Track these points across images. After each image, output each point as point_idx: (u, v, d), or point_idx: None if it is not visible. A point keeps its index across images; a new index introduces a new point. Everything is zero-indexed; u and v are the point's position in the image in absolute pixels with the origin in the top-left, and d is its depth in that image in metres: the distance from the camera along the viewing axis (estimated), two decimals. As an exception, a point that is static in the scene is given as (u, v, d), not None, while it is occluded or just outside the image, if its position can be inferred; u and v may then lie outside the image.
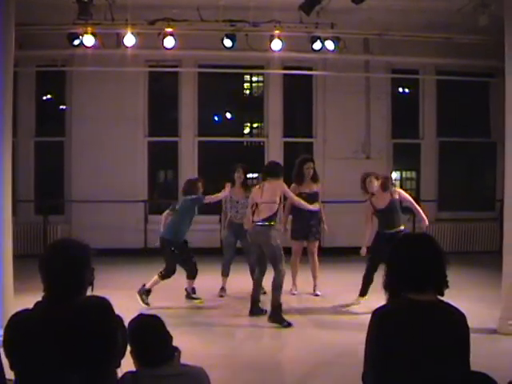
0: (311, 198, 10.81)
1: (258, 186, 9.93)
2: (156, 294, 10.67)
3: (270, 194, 9.47)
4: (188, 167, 15.73)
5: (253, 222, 9.53)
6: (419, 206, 10.45)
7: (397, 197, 10.05)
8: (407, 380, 3.24)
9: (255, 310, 9.71)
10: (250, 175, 13.94)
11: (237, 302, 10.66)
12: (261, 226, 9.43)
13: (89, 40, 13.07)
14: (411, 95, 17.31)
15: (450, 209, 16.73)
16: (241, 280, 11.14)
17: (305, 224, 10.89)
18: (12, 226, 8.37)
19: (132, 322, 3.73)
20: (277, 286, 9.35)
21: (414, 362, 3.25)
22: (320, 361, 7.53)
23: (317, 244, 11.21)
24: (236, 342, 8.39)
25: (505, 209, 8.97)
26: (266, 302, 9.82)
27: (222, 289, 11.13)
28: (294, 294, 11.04)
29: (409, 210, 10.85)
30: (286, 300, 10.68)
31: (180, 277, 11.78)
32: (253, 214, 9.54)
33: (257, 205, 9.48)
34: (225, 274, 11.15)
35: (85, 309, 3.32)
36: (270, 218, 9.48)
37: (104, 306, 3.41)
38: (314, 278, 11.28)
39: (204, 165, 15.98)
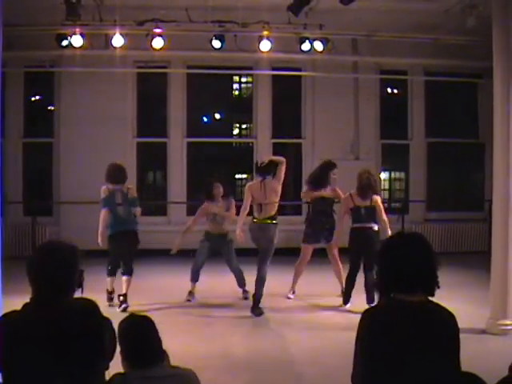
0: (324, 202, 10.86)
1: (256, 185, 10.09)
2: (147, 294, 10.73)
3: (274, 193, 9.96)
4: (177, 168, 15.73)
5: (255, 218, 9.95)
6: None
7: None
8: (397, 381, 3.25)
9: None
10: (238, 176, 14.00)
11: (228, 303, 10.66)
12: (267, 223, 9.85)
13: (77, 41, 13.05)
14: (400, 96, 17.36)
15: (438, 209, 16.79)
16: (231, 282, 11.13)
17: (318, 228, 10.78)
18: (0, 228, 8.33)
19: (123, 321, 3.72)
20: (263, 281, 9.77)
21: (403, 362, 3.25)
22: (312, 361, 7.54)
23: (332, 248, 10.85)
24: (228, 342, 8.37)
25: (493, 209, 8.98)
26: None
27: (191, 293, 10.88)
28: (289, 298, 10.94)
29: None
30: (279, 301, 10.72)
31: (174, 277, 11.87)
32: (257, 211, 9.94)
33: (260, 204, 9.84)
34: (194, 279, 10.90)
35: (72, 311, 3.31)
36: (274, 216, 9.95)
37: (91, 307, 3.40)
38: (341, 282, 10.91)
39: (193, 165, 15.97)
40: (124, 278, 10.19)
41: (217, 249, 10.88)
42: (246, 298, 10.81)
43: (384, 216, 10.12)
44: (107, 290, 10.28)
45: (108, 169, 10.46)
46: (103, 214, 10.18)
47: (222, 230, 10.85)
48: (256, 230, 9.94)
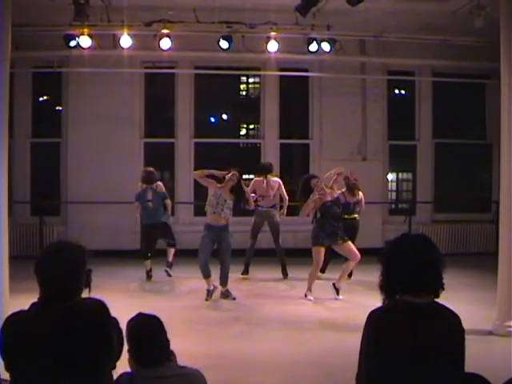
0: (333, 205, 11.04)
1: (260, 181, 12.77)
2: (155, 293, 10.77)
3: (273, 188, 12.72)
4: (184, 168, 15.73)
5: (259, 206, 12.50)
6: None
7: None
8: (401, 381, 3.25)
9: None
10: (245, 176, 14.06)
11: (235, 303, 10.67)
12: (270, 209, 12.77)
13: (85, 41, 13.07)
14: (407, 97, 17.33)
15: (445, 210, 16.76)
16: (239, 282, 11.14)
17: (330, 229, 10.78)
18: (8, 227, 8.36)
19: (131, 320, 3.73)
20: (282, 252, 12.76)
21: (408, 363, 3.26)
22: (316, 361, 7.54)
23: (348, 244, 10.92)
24: (233, 343, 8.38)
25: (501, 210, 8.96)
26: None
27: (209, 291, 10.87)
28: (310, 300, 10.85)
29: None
30: (282, 302, 10.73)
31: (182, 276, 11.91)
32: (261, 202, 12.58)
33: (263, 196, 12.57)
34: (207, 275, 10.84)
35: (79, 311, 3.32)
36: (275, 205, 12.95)
37: (99, 307, 3.41)
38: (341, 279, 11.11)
39: (200, 166, 15.95)
40: (168, 248, 12.56)
41: (217, 240, 10.86)
42: (227, 297, 10.86)
43: (364, 207, 12.76)
44: (146, 270, 12.36)
45: (142, 172, 12.91)
46: (135, 206, 12.64)
47: (222, 222, 10.83)
48: (264, 216, 12.72)
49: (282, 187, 12.94)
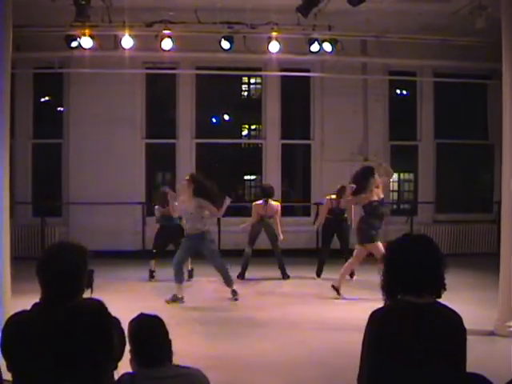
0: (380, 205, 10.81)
1: (260, 205, 12.68)
2: (157, 294, 10.77)
3: (271, 211, 12.69)
4: (185, 169, 15.70)
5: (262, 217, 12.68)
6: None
7: None
8: (403, 382, 3.25)
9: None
10: (247, 177, 14.06)
11: (236, 304, 10.67)
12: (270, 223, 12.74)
13: (86, 42, 13.09)
14: (408, 97, 17.34)
15: (447, 211, 16.76)
16: (240, 284, 11.11)
17: (377, 227, 10.63)
18: (10, 228, 8.36)
19: (133, 321, 3.72)
20: (280, 255, 12.70)
21: (410, 363, 3.25)
22: (318, 361, 7.53)
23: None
24: (235, 343, 8.37)
25: (502, 211, 8.95)
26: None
27: (174, 296, 10.67)
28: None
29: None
30: (284, 303, 10.73)
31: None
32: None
33: (262, 216, 12.65)
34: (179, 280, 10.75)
35: (80, 311, 3.32)
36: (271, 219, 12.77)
37: (99, 308, 3.40)
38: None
39: (201, 167, 15.97)
40: None
41: (196, 249, 10.82)
42: (236, 300, 10.81)
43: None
44: (150, 269, 12.49)
45: (158, 192, 13.13)
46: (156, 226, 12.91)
47: (197, 230, 10.63)
48: (261, 225, 12.68)
49: (279, 214, 12.84)
